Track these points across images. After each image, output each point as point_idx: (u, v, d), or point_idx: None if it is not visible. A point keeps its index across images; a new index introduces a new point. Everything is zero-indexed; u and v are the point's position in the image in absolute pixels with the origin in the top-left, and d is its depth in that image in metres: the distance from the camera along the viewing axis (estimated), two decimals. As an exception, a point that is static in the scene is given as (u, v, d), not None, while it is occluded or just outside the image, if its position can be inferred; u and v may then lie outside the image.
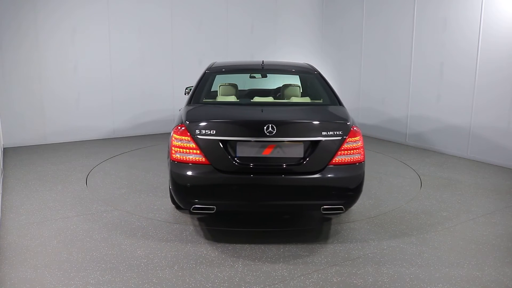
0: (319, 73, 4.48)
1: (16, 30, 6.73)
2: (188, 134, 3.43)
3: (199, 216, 4.10)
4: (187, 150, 3.42)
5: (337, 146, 3.43)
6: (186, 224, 3.95)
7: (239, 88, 4.84)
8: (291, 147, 3.42)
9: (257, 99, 4.34)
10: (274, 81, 6.32)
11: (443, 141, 6.96)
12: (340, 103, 4.07)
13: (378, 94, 8.17)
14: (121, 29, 7.52)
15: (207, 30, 8.31)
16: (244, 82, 6.30)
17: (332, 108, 4.00)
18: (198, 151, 3.40)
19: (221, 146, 3.38)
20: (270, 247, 3.50)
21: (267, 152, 3.41)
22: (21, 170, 5.64)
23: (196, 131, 3.42)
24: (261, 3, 8.87)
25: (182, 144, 3.44)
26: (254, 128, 3.40)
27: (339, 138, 3.44)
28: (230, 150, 3.41)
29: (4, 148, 6.74)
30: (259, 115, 3.72)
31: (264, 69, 4.59)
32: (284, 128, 3.39)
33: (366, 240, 3.64)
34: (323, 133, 3.42)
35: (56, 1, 6.95)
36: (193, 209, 3.43)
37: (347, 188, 3.48)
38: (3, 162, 5.78)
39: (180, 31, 8.06)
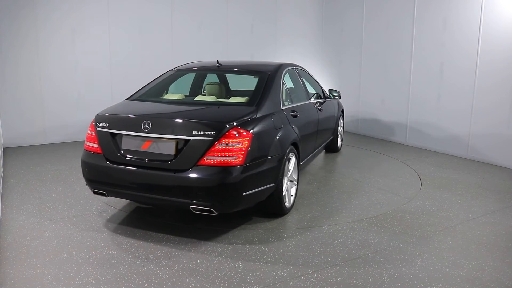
0: (270, 75, 4.45)
1: (16, 31, 6.73)
2: (93, 125, 3.84)
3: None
4: (91, 140, 3.84)
5: (207, 146, 3.39)
6: (186, 224, 3.95)
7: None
8: (164, 144, 3.52)
9: (200, 97, 4.50)
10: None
11: (443, 141, 6.96)
12: (256, 104, 3.96)
13: (378, 94, 8.17)
14: (121, 28, 7.53)
15: (207, 30, 8.32)
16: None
17: (234, 109, 3.91)
18: (96, 142, 3.78)
19: (111, 138, 3.70)
20: (270, 247, 3.50)
21: (145, 147, 3.58)
22: (21, 170, 5.64)
23: (97, 123, 3.81)
24: (261, 2, 8.87)
25: (89, 134, 3.88)
26: (134, 124, 3.61)
27: (210, 138, 3.39)
28: (117, 142, 3.69)
29: (4, 148, 6.74)
30: (145, 111, 3.88)
31: (220, 69, 4.86)
32: (158, 125, 3.55)
33: (366, 240, 3.64)
34: (194, 132, 3.42)
35: (56, 1, 6.96)
36: (93, 193, 3.85)
37: (214, 190, 3.37)
38: (3, 162, 5.78)
39: (180, 30, 8.07)
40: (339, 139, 6.92)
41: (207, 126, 3.44)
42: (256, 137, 3.58)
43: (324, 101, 5.91)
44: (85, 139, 3.92)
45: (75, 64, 7.27)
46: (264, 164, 3.67)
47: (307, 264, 3.22)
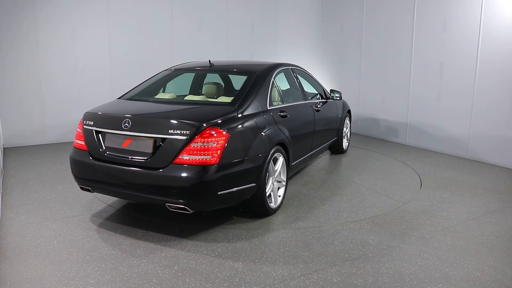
0: (259, 75, 4.45)
1: (16, 31, 6.73)
2: (81, 123, 3.96)
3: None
4: (79, 137, 3.97)
5: (182, 145, 3.43)
6: (186, 224, 3.95)
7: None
8: (143, 142, 3.59)
9: (190, 97, 4.54)
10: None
11: (443, 141, 6.96)
12: (238, 104, 3.97)
13: (378, 94, 8.17)
14: (121, 28, 7.53)
15: (207, 30, 8.32)
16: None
17: (215, 108, 3.94)
18: (83, 139, 3.90)
19: (95, 136, 3.80)
20: (270, 247, 3.50)
21: (125, 145, 3.66)
22: (21, 170, 5.64)
23: (84, 121, 3.92)
24: (261, 2, 8.87)
25: (77, 132, 4.01)
26: (116, 122, 3.70)
27: (186, 137, 3.42)
28: (101, 140, 3.78)
29: (4, 148, 6.74)
30: (129, 110, 3.94)
31: (212, 69, 4.91)
32: (137, 123, 3.62)
33: (366, 240, 3.64)
34: (170, 131, 3.47)
35: (56, 1, 6.96)
36: (80, 189, 3.97)
37: (187, 188, 3.39)
38: (3, 162, 5.78)
39: (180, 31, 8.07)
40: (344, 140, 6.79)
41: (182, 125, 3.48)
42: (233, 137, 3.59)
43: (326, 102, 5.85)
44: (75, 137, 4.05)
45: (75, 64, 7.28)
46: (243, 164, 3.67)
47: (307, 264, 3.22)
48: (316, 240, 3.63)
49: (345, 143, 6.85)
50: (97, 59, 7.43)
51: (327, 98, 5.99)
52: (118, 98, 4.54)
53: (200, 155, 3.42)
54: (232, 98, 4.20)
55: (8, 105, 6.82)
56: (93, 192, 3.92)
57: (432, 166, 6.11)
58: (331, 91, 6.20)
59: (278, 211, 4.26)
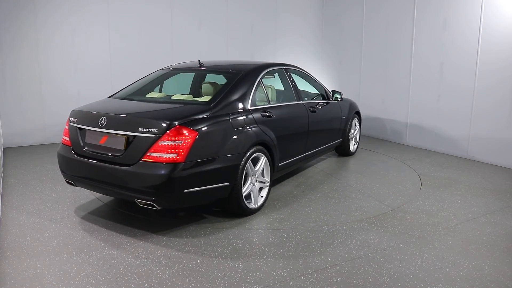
0: (243, 75, 4.45)
1: (17, 31, 6.74)
2: (68, 120, 4.13)
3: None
4: (65, 134, 4.14)
5: (151, 143, 3.51)
6: (186, 224, 3.95)
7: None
8: (116, 139, 3.71)
9: (176, 96, 4.54)
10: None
11: (443, 141, 6.96)
12: (214, 104, 3.99)
13: (378, 94, 8.17)
14: (121, 28, 7.53)
15: (207, 30, 8.32)
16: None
17: (189, 107, 4.01)
18: (68, 135, 4.08)
19: (78, 132, 3.97)
20: (270, 247, 3.50)
21: (102, 141, 3.80)
22: (21, 170, 5.64)
23: (70, 118, 4.10)
24: (261, 2, 8.87)
25: (65, 128, 4.18)
26: (94, 120, 3.85)
27: (153, 135, 3.51)
28: (82, 136, 3.95)
29: (4, 148, 6.74)
30: (109, 108, 4.08)
31: (202, 69, 4.96)
32: (111, 121, 3.76)
33: (366, 240, 3.64)
34: (139, 129, 3.58)
35: (56, 2, 6.96)
36: (66, 183, 4.15)
37: (153, 185, 3.47)
38: (3, 162, 5.78)
39: (180, 31, 8.07)
40: (352, 142, 6.61)
41: (151, 124, 3.57)
42: (203, 136, 3.62)
43: (327, 103, 5.77)
44: (63, 133, 4.22)
45: (75, 64, 7.27)
46: (213, 162, 3.69)
47: (307, 264, 3.22)
48: (316, 240, 3.63)
49: (352, 145, 6.66)
50: (97, 58, 7.44)
51: (328, 98, 5.91)
52: (109, 97, 4.64)
53: (167, 153, 3.48)
54: (210, 97, 4.23)
55: (8, 104, 6.82)
56: (76, 186, 4.07)
57: (432, 166, 6.11)
58: (332, 91, 6.09)
59: (259, 211, 4.24)
